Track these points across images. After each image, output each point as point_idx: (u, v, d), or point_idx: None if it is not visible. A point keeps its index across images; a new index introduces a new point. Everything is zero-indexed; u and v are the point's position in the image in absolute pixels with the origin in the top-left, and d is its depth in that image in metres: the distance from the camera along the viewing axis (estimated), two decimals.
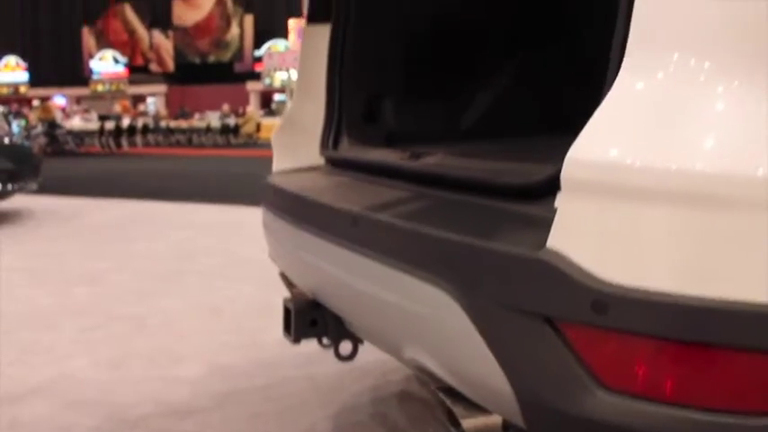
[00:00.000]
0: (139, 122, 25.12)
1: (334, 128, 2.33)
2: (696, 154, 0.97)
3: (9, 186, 7.51)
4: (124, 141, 23.43)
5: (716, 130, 0.97)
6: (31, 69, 41.32)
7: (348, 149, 2.24)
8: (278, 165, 2.47)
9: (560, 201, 1.10)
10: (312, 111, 2.40)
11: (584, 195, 1.05)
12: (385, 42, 2.43)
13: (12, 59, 41.37)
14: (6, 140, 7.84)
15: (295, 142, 2.46)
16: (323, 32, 2.40)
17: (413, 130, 2.40)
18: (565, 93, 2.53)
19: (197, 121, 27.46)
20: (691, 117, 0.99)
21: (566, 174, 1.07)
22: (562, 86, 2.63)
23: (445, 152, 1.84)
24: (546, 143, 1.44)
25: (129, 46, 40.49)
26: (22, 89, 40.51)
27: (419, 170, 1.74)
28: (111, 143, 22.67)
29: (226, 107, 28.52)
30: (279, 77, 31.83)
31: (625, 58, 1.07)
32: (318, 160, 2.35)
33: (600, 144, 1.04)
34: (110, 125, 23.02)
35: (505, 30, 2.69)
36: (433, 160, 1.76)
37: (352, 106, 2.35)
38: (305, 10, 2.56)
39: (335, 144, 2.31)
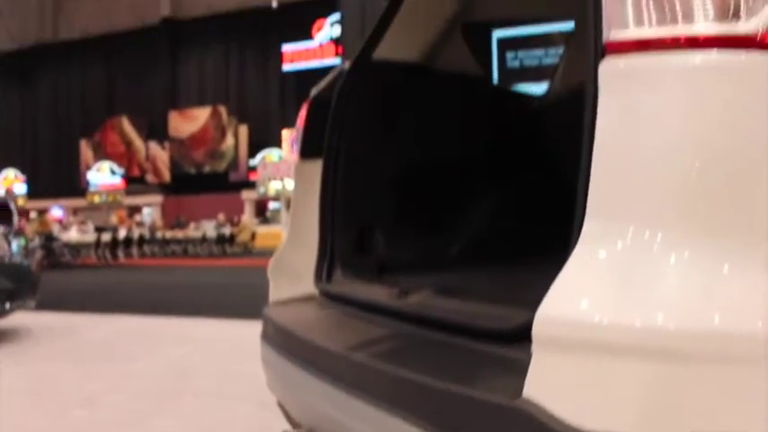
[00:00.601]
0: (135, 233, 25.31)
1: (328, 259, 2.44)
2: (654, 313, 1.08)
3: (7, 305, 7.57)
4: (120, 253, 23.55)
5: (671, 293, 1.09)
6: (29, 181, 41.89)
7: (341, 282, 2.35)
8: (274, 295, 2.57)
9: (533, 351, 1.20)
10: (307, 242, 2.52)
11: (555, 349, 1.15)
12: (374, 176, 2.58)
13: (11, 173, 42.00)
14: (6, 260, 7.95)
15: (290, 273, 2.56)
16: (315, 167, 2.54)
17: (403, 260, 2.52)
18: (549, 218, 2.67)
19: (192, 231, 27.70)
20: (649, 282, 1.11)
21: (536, 329, 1.18)
22: (546, 212, 2.77)
23: (433, 287, 1.95)
24: (531, 271, 1.55)
25: (125, 157, 41.18)
26: (20, 201, 40.89)
27: (405, 310, 1.85)
28: (108, 255, 22.79)
29: (221, 216, 28.81)
30: (273, 187, 32.31)
31: (585, 225, 1.19)
32: (313, 289, 2.46)
33: (566, 303, 1.16)
34: (106, 237, 23.19)
35: (489, 161, 2.85)
36: (419, 299, 1.87)
37: (345, 238, 2.47)
38: (297, 146, 2.71)
39: (329, 275, 2.42)
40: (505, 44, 23.93)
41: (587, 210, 1.20)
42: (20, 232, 8.39)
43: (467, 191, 2.79)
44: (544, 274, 1.24)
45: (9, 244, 8.33)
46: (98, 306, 10.27)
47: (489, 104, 2.94)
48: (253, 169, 36.25)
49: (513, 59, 24.05)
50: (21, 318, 8.53)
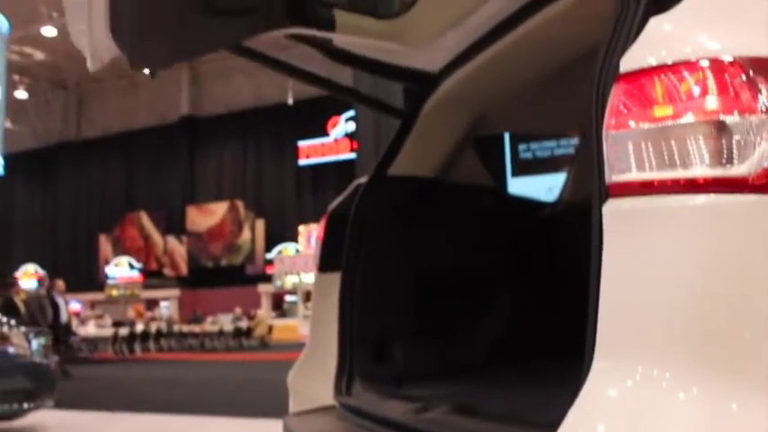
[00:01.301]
0: (153, 327, 25.28)
1: (347, 371, 2.49)
2: None
3: (25, 405, 7.58)
4: (137, 347, 23.48)
5: (682, 428, 1.14)
6: (48, 276, 42.09)
7: (359, 394, 2.39)
8: (294, 406, 2.61)
9: None
10: (326, 353, 2.57)
11: None
12: (392, 288, 2.64)
13: (30, 267, 42.26)
14: (26, 359, 7.99)
15: (311, 384, 2.61)
16: (334, 280, 2.61)
17: (422, 370, 2.56)
18: (565, 317, 2.72)
19: (209, 325, 27.58)
20: (659, 417, 1.16)
21: None
22: (562, 316, 2.82)
23: (450, 403, 1.99)
24: (547, 382, 1.59)
25: (143, 251, 41.40)
26: None
27: (421, 428, 1.89)
28: (125, 349, 22.73)
29: (238, 310, 28.78)
30: (290, 280, 32.35)
31: (594, 362, 1.25)
32: (333, 400, 2.49)
33: None
34: (123, 331, 23.15)
35: (504, 269, 2.91)
36: (436, 416, 1.91)
37: (363, 349, 2.52)
38: (315, 259, 2.79)
39: (348, 387, 2.45)
40: (517, 136, 24.14)
41: (596, 347, 1.25)
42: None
43: (483, 299, 2.85)
44: (559, 388, 1.28)
45: (29, 343, 8.39)
46: (114, 404, 10.22)
47: (502, 213, 3.02)
48: (269, 263, 36.34)
49: (525, 151, 24.31)
50: (39, 416, 8.51)
